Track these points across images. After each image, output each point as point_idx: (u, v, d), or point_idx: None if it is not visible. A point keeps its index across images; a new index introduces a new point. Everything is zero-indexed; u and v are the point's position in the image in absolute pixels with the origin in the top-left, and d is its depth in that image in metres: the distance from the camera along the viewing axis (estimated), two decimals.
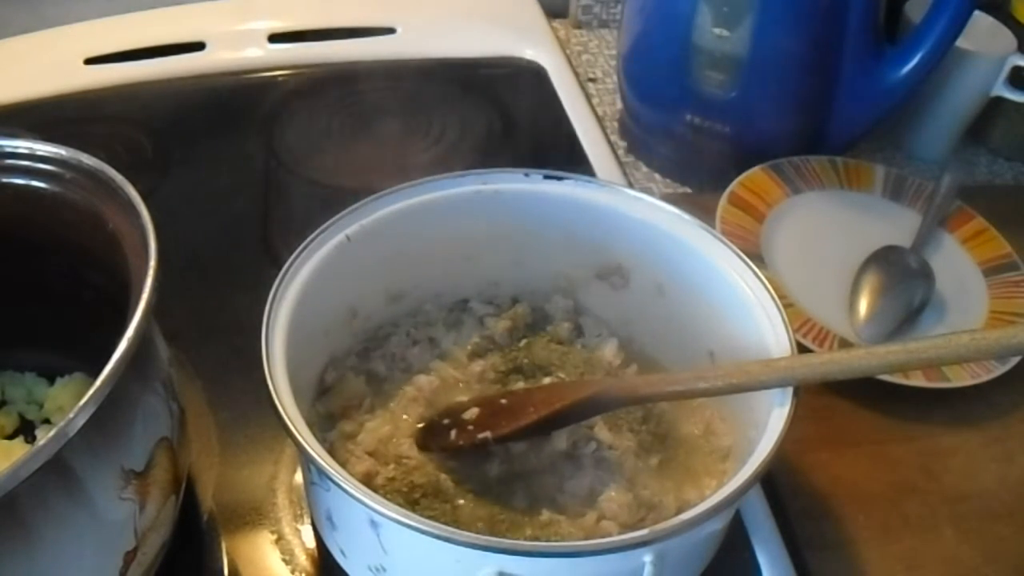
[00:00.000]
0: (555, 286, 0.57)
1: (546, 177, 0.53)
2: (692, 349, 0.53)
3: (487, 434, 0.47)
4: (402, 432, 0.50)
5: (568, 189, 0.53)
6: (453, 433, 0.48)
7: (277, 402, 0.40)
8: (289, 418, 0.40)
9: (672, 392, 0.46)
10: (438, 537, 0.36)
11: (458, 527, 0.39)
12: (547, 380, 0.52)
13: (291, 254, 0.47)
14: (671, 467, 0.50)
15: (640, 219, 0.52)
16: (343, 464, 0.46)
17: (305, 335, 0.46)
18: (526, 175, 0.53)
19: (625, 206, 0.53)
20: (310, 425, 0.41)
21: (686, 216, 0.51)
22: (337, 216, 0.49)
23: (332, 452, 0.47)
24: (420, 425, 0.50)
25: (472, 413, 0.49)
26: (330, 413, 0.51)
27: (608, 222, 0.53)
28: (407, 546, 0.40)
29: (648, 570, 0.38)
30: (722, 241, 0.50)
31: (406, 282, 0.55)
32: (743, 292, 0.48)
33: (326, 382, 0.52)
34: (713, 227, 0.53)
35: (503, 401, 0.49)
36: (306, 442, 0.39)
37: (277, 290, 0.46)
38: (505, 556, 0.37)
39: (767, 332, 0.46)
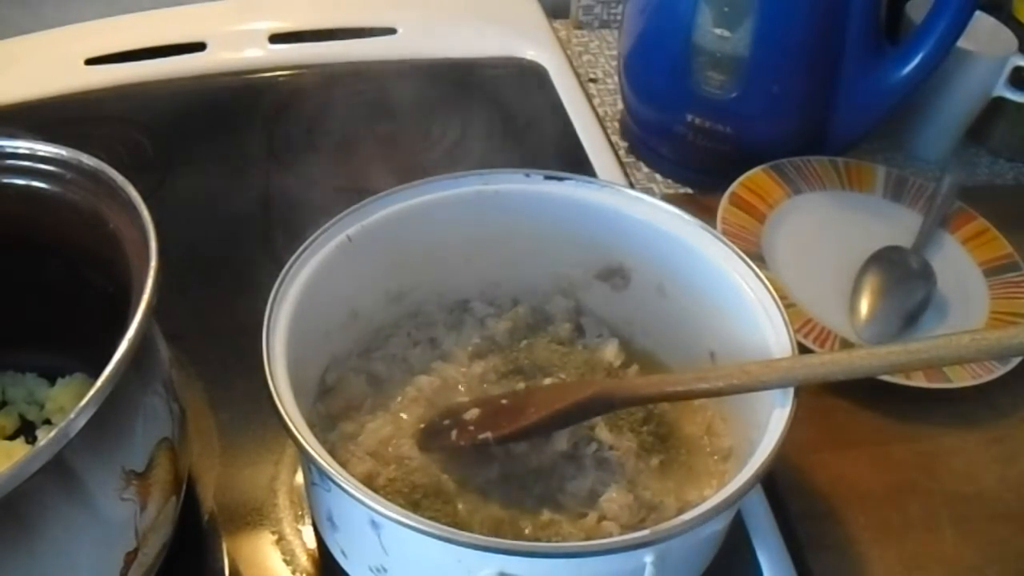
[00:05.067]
0: (556, 287, 0.57)
1: (547, 178, 0.53)
2: (693, 349, 0.53)
3: (487, 435, 0.47)
4: (403, 433, 0.50)
5: (569, 189, 0.53)
6: (454, 434, 0.48)
7: (278, 403, 0.40)
8: (290, 419, 0.40)
9: (672, 393, 0.46)
10: (439, 538, 0.36)
11: (459, 528, 0.39)
12: (548, 381, 0.52)
13: (292, 254, 0.47)
14: (672, 468, 0.50)
15: (641, 219, 0.52)
16: (344, 465, 0.46)
17: (306, 336, 0.46)
18: (527, 175, 0.53)
19: (626, 206, 0.53)
20: (311, 426, 0.41)
21: (687, 216, 0.51)
22: (338, 217, 0.49)
23: (333, 453, 0.47)
24: (421, 426, 0.50)
25: (472, 414, 0.48)
26: (331, 414, 0.51)
27: (609, 222, 0.53)
28: (408, 547, 0.40)
29: (649, 570, 0.38)
30: (723, 241, 0.50)
31: (407, 283, 0.55)
32: (744, 292, 0.48)
33: (327, 383, 0.52)
34: (714, 227, 0.53)
35: (504, 402, 0.49)
36: (307, 443, 0.39)
37: (278, 291, 0.46)
38: (506, 556, 0.37)
39: (768, 332, 0.46)
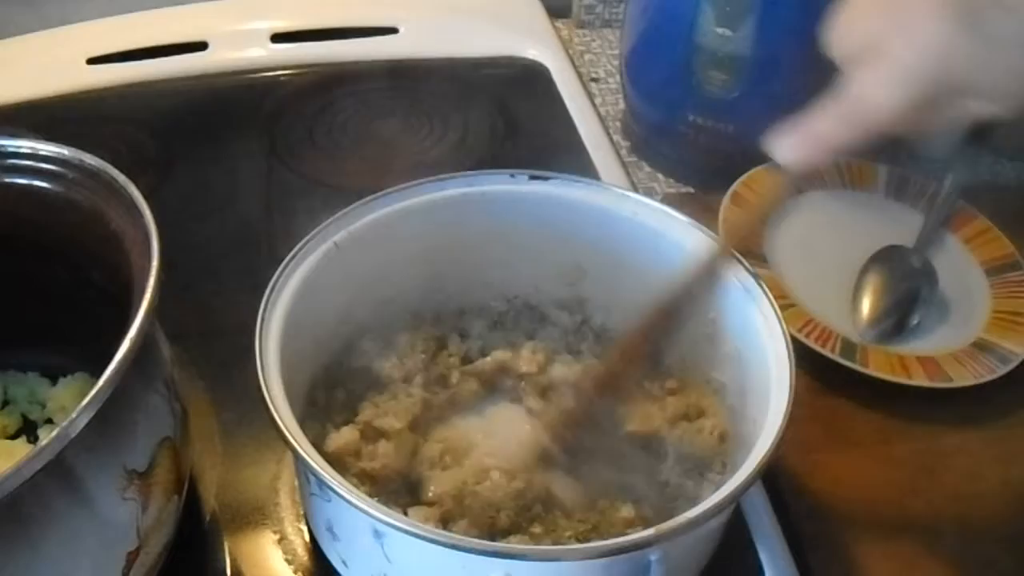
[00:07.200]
0: (546, 285, 0.57)
1: (532, 178, 0.52)
2: (684, 344, 0.52)
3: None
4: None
5: (554, 189, 0.52)
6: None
7: (275, 413, 0.40)
8: (287, 429, 0.40)
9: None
10: (444, 544, 0.36)
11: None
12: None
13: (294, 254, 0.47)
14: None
15: (629, 217, 0.52)
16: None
17: (298, 345, 0.46)
18: (512, 176, 0.52)
19: (614, 204, 0.52)
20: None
21: (674, 213, 0.51)
22: (323, 224, 0.49)
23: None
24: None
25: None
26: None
27: (597, 220, 0.52)
28: (412, 554, 0.40)
29: (655, 568, 0.38)
30: (712, 237, 0.50)
31: (395, 287, 0.54)
32: (735, 287, 0.48)
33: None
34: (715, 227, 0.53)
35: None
36: (306, 453, 0.39)
37: (267, 302, 0.45)
38: (511, 561, 0.37)
39: (760, 326, 0.46)
